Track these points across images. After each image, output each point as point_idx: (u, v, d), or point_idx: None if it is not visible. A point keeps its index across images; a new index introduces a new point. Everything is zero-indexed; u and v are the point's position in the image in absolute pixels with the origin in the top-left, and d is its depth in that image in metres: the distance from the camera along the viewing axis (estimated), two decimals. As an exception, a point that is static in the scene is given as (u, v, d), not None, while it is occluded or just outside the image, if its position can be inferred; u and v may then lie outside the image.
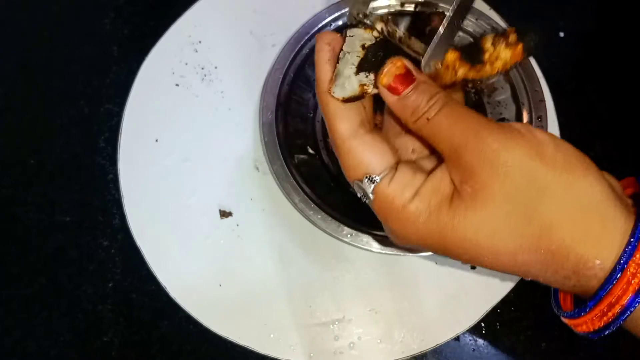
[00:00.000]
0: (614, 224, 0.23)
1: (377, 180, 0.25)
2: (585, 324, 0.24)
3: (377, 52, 0.27)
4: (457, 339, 0.42)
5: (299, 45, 0.43)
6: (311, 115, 0.45)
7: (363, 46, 0.27)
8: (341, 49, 0.28)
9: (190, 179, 0.44)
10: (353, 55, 0.27)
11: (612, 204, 0.23)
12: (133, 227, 0.43)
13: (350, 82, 0.27)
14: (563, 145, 0.24)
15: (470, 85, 0.44)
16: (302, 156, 0.43)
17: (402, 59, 0.26)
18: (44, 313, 0.42)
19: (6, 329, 0.41)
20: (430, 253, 0.39)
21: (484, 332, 0.42)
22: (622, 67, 0.49)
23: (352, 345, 0.41)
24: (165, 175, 0.44)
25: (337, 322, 0.41)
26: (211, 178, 0.44)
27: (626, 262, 0.22)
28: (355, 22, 0.29)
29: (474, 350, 0.42)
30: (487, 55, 0.28)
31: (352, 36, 0.28)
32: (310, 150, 0.44)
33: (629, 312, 0.22)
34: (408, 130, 0.28)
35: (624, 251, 0.22)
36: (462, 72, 0.28)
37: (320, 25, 0.43)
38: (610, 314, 0.23)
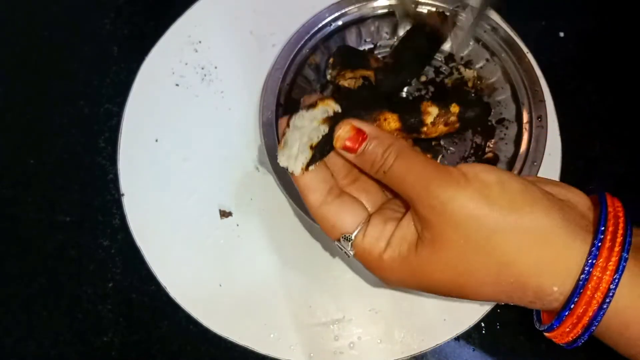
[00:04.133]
0: (568, 252, 0.24)
1: (352, 238, 0.28)
2: (558, 337, 0.26)
3: (323, 148, 0.29)
4: (457, 339, 0.42)
5: (299, 45, 0.43)
6: (311, 115, 0.45)
7: (311, 146, 0.29)
8: (292, 117, 0.29)
9: (190, 179, 0.44)
10: (303, 136, 0.28)
11: (563, 232, 0.24)
12: (133, 227, 0.43)
13: (297, 160, 0.28)
14: (509, 185, 0.25)
15: (470, 85, 0.44)
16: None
17: (350, 121, 0.28)
18: (44, 313, 0.42)
19: (6, 329, 0.41)
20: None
21: (484, 332, 0.42)
22: (622, 67, 0.49)
23: (352, 345, 0.41)
24: (165, 175, 0.44)
25: (337, 322, 0.41)
26: (211, 178, 0.44)
27: (582, 287, 0.23)
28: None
29: (474, 350, 0.42)
30: (425, 129, 0.31)
31: (302, 122, 0.29)
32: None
33: (592, 329, 0.24)
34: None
35: (580, 278, 0.23)
36: (399, 137, 0.30)
37: (320, 25, 0.43)
38: (575, 331, 0.24)
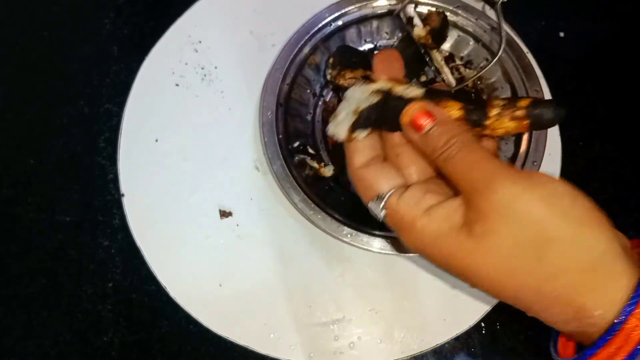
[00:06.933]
0: (619, 279, 0.24)
1: (385, 198, 0.28)
2: None
3: (369, 116, 0.29)
4: (457, 339, 0.42)
5: (299, 45, 0.43)
6: (311, 115, 0.45)
7: (356, 110, 0.29)
8: (347, 87, 0.30)
9: (190, 179, 0.44)
10: (352, 104, 0.29)
11: (619, 260, 0.24)
12: (133, 227, 0.43)
13: (342, 125, 0.29)
14: (581, 200, 0.25)
15: (470, 85, 0.44)
16: (302, 156, 0.43)
17: (422, 102, 0.28)
18: (44, 313, 0.42)
19: (6, 329, 0.41)
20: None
21: (484, 332, 0.42)
22: (622, 67, 0.49)
23: (352, 345, 0.41)
24: (165, 175, 0.44)
25: (337, 322, 0.41)
26: (211, 178, 0.44)
27: (627, 316, 0.23)
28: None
29: (474, 350, 0.42)
30: (488, 122, 0.28)
31: (353, 93, 0.30)
32: (311, 150, 0.44)
33: None
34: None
35: (626, 305, 0.23)
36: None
37: (320, 25, 0.43)
38: None
